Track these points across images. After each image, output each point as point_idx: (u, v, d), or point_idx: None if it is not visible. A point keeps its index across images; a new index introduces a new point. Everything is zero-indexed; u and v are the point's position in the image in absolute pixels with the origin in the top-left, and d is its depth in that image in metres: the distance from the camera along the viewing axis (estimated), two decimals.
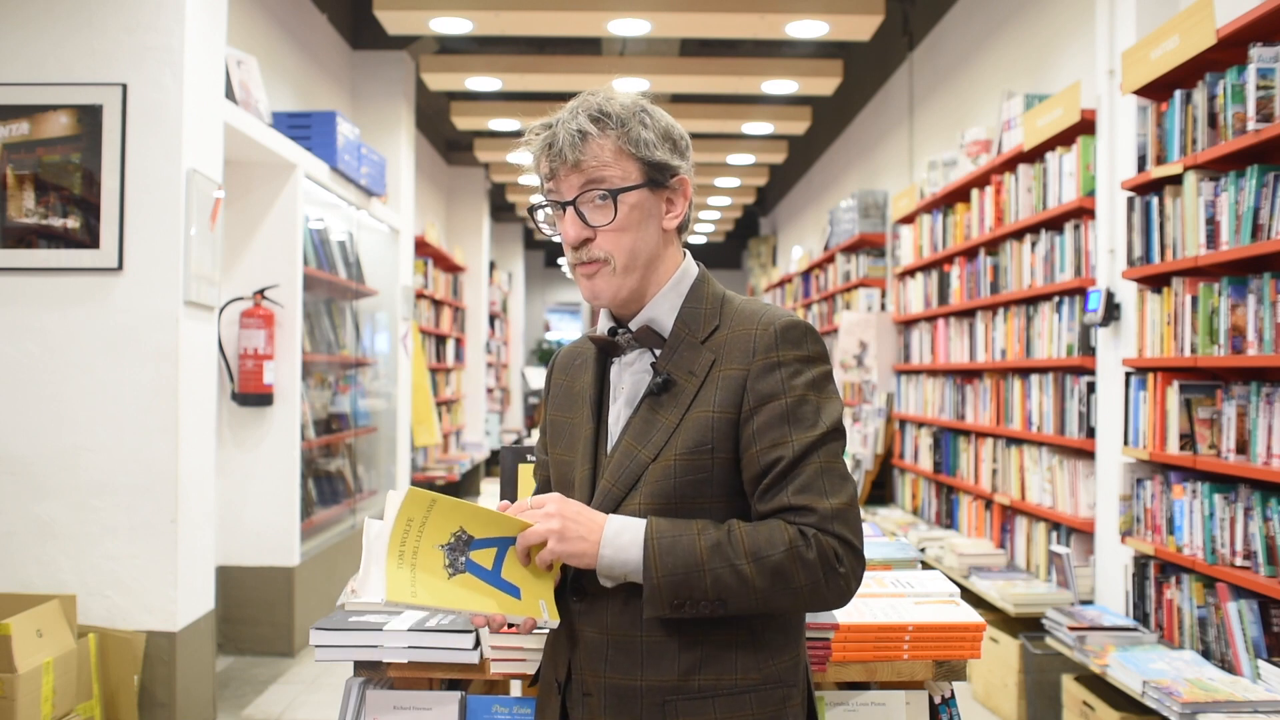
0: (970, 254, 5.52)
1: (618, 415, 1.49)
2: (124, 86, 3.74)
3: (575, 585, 1.45)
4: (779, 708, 1.42)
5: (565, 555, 1.36)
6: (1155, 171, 3.49)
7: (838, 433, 1.41)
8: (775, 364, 1.41)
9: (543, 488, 1.62)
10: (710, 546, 1.35)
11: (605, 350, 1.54)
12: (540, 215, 1.51)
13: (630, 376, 1.50)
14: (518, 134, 10.29)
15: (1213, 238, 3.19)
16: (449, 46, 8.37)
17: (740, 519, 1.41)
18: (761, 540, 1.35)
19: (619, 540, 1.36)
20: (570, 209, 1.45)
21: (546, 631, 1.78)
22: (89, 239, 3.73)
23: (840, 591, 1.37)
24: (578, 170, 1.43)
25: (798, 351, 1.42)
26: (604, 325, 1.54)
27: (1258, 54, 2.99)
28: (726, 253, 18.12)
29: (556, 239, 1.51)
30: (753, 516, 1.41)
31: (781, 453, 1.38)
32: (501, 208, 14.79)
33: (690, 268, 1.53)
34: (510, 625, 1.39)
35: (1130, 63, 3.62)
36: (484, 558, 1.35)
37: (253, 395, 5.04)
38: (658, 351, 1.48)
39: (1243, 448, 3.10)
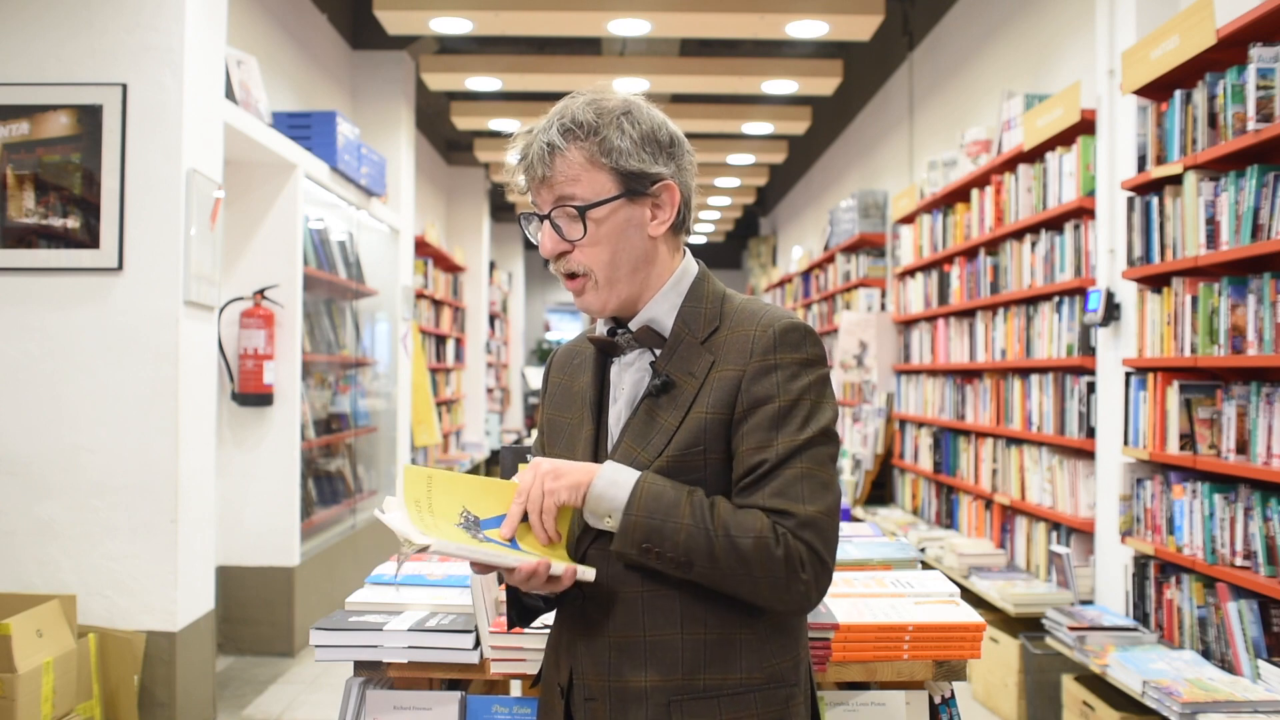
0: (970, 254, 5.52)
1: (618, 416, 1.48)
2: (124, 86, 3.74)
3: (576, 588, 1.44)
4: (783, 707, 1.41)
5: (562, 490, 1.36)
6: (1155, 171, 3.49)
7: (826, 437, 1.39)
8: (772, 366, 1.39)
9: None
10: (693, 506, 1.35)
11: (605, 350, 1.53)
12: (524, 224, 1.50)
13: (630, 377, 1.49)
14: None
15: (1213, 238, 3.19)
16: (449, 46, 8.37)
17: None
18: (737, 521, 1.34)
19: (616, 475, 1.37)
20: (546, 223, 1.44)
21: (537, 618, 1.77)
22: (89, 239, 3.73)
23: (800, 598, 1.35)
24: (547, 186, 1.43)
25: (796, 354, 1.40)
26: (603, 325, 1.52)
27: (1258, 54, 2.99)
28: (726, 253, 18.12)
29: None
30: None
31: (765, 456, 1.37)
32: (501, 208, 14.78)
33: (690, 267, 1.51)
34: (552, 576, 1.36)
35: (1130, 63, 3.62)
36: (498, 535, 1.36)
37: (253, 395, 5.04)
38: (657, 352, 1.47)
39: (1243, 448, 3.10)
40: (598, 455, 1.49)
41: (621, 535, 1.35)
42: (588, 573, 1.37)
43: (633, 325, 1.48)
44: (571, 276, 1.46)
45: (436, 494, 1.34)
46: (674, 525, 1.34)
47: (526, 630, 1.78)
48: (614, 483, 1.36)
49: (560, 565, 1.35)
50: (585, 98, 1.44)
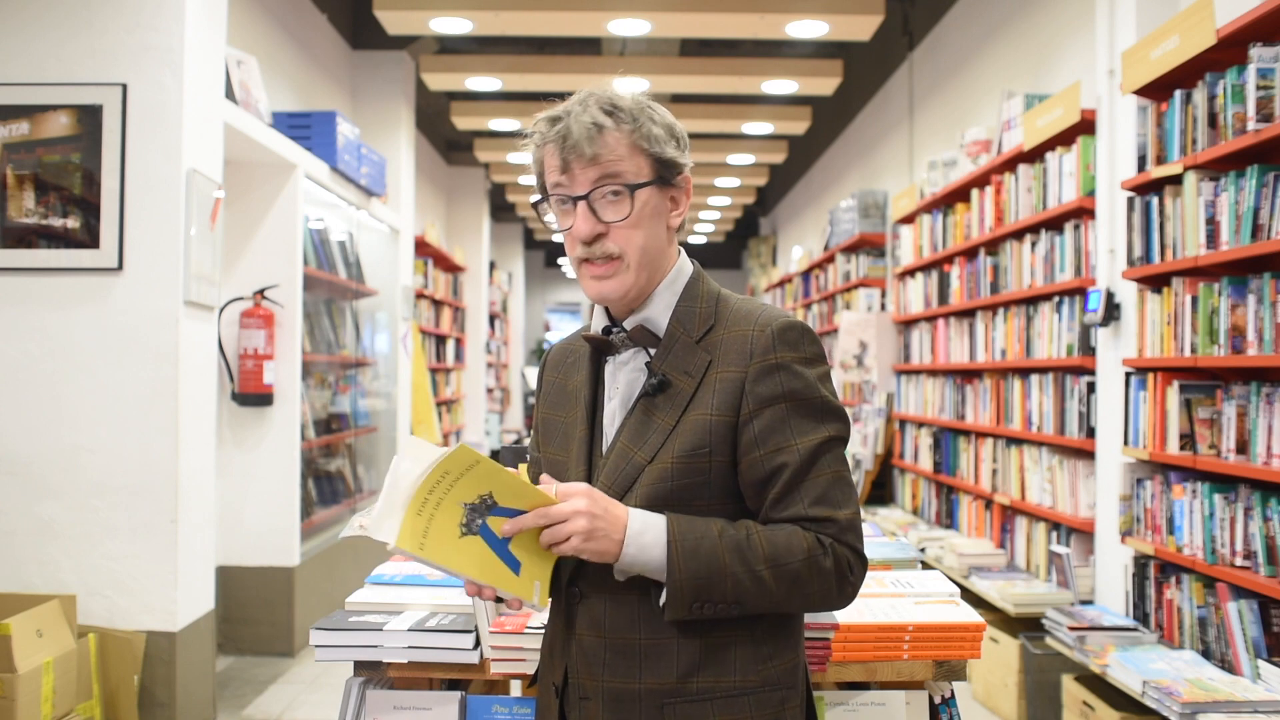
0: (970, 254, 5.52)
1: (612, 416, 1.48)
2: (124, 86, 3.74)
3: (571, 588, 1.44)
4: (777, 710, 1.41)
5: (588, 554, 1.34)
6: (1155, 171, 3.49)
7: (840, 433, 1.41)
8: (774, 366, 1.39)
9: None
10: (732, 550, 1.34)
11: (599, 349, 1.52)
12: (544, 209, 1.48)
13: (625, 376, 1.48)
14: (518, 134, 10.30)
15: (1213, 238, 3.19)
16: (449, 46, 8.37)
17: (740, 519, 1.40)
18: (781, 547, 1.35)
19: (642, 539, 1.35)
20: (583, 203, 1.42)
21: (536, 619, 1.78)
22: (89, 239, 3.73)
23: (847, 597, 1.40)
24: (594, 164, 1.40)
25: (796, 353, 1.41)
26: (598, 323, 1.52)
27: (1258, 54, 2.99)
28: (726, 253, 18.12)
29: (561, 235, 1.48)
30: (759, 520, 1.40)
31: (786, 459, 1.37)
32: (501, 208, 14.78)
33: (685, 265, 1.51)
34: (499, 600, 1.38)
35: (1130, 63, 3.62)
36: (498, 525, 1.34)
37: (253, 395, 5.04)
38: (653, 351, 1.46)
39: (1243, 448, 3.10)
40: (592, 455, 1.48)
41: (671, 605, 1.35)
42: (536, 606, 1.38)
43: (628, 324, 1.48)
44: (603, 260, 1.43)
45: (471, 477, 1.31)
46: (719, 578, 1.34)
47: (526, 630, 1.79)
48: (644, 549, 1.35)
49: (509, 594, 1.35)
50: (606, 90, 1.45)
